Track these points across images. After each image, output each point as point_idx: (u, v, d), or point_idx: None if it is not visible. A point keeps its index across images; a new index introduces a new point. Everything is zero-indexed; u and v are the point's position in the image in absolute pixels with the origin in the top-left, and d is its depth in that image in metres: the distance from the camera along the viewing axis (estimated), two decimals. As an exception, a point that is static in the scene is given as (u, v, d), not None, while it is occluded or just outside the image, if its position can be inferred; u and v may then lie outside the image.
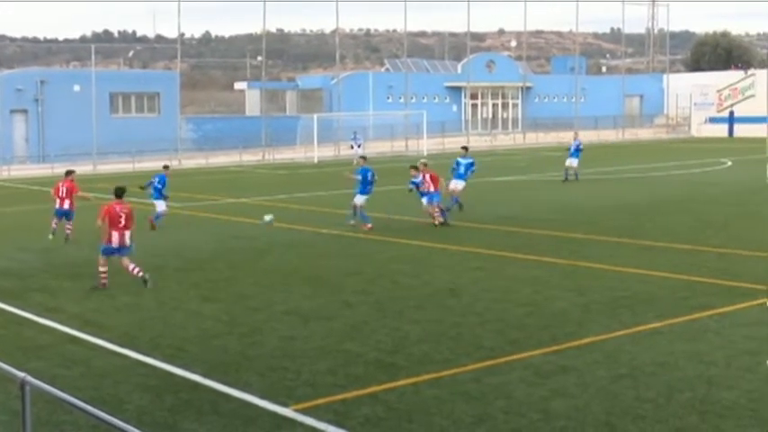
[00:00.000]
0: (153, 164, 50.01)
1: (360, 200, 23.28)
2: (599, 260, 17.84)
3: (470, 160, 26.97)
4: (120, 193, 16.42)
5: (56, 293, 15.94)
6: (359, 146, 48.56)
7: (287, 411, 9.48)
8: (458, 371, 10.75)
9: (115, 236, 16.01)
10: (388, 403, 9.69)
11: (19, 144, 53.90)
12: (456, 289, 15.53)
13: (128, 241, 16.17)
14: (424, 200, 23.46)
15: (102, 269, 16.13)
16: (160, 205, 24.33)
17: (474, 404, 9.57)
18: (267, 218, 22.74)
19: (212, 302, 14.90)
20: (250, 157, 54.14)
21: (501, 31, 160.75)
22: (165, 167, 25.54)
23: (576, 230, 21.89)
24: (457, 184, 26.13)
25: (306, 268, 17.92)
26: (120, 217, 16.00)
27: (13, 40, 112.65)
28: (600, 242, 20.33)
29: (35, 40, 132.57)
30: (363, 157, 25.77)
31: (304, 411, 9.43)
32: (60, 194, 22.24)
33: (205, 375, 10.74)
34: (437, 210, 23.17)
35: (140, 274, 16.06)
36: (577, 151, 34.91)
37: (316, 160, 51.62)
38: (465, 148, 28.95)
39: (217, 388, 10.33)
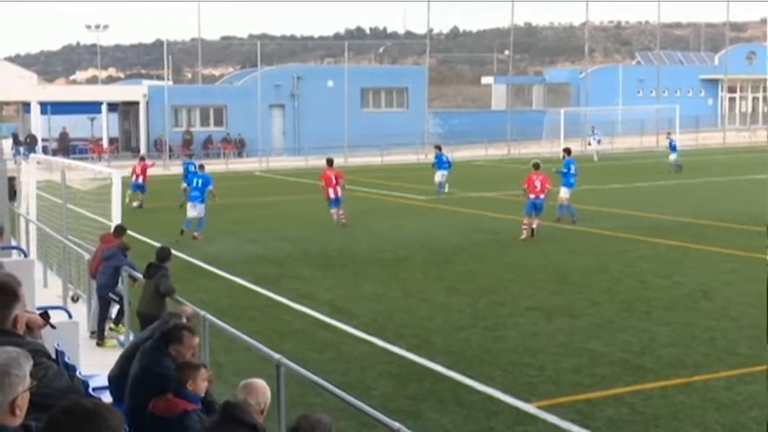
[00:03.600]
0: (400, 157, 51.26)
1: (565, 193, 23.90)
2: None
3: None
4: None
5: (308, 281, 16.68)
6: (597, 141, 48.55)
7: (529, 407, 9.44)
8: (709, 377, 10.30)
9: None
10: (633, 406, 9.43)
11: (276, 137, 56.79)
12: (709, 291, 14.85)
13: None
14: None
15: None
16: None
17: (725, 412, 9.14)
18: None
19: (457, 295, 15.06)
20: (495, 152, 54.18)
21: (764, 20, 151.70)
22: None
23: None
24: None
25: (549, 264, 17.74)
26: None
27: (272, 38, 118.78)
28: None
29: (292, 38, 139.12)
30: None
31: (547, 409, 9.36)
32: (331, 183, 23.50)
33: (448, 367, 10.89)
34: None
35: None
36: (673, 148, 37.46)
37: (561, 155, 50.90)
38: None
39: (459, 380, 10.44)
